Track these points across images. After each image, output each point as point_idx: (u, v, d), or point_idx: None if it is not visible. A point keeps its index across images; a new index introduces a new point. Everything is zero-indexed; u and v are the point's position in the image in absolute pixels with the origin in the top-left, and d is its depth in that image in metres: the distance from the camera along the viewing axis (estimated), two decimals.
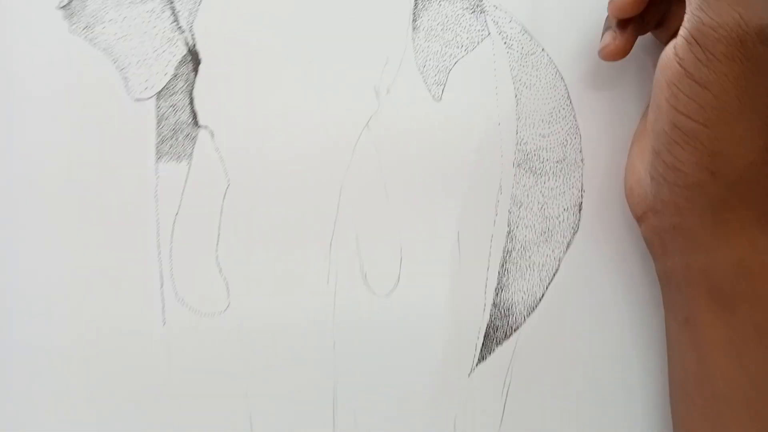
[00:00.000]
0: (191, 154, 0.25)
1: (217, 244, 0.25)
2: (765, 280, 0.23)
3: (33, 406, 0.24)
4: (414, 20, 0.27)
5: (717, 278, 0.23)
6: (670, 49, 0.23)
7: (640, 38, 0.27)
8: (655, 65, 0.24)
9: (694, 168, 0.22)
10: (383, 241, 0.26)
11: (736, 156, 0.22)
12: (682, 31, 0.22)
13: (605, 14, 0.27)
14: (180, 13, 0.25)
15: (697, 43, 0.21)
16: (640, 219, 0.26)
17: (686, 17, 0.22)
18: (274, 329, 0.25)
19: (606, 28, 0.27)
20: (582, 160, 0.28)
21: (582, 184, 0.27)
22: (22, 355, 0.24)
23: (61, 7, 0.25)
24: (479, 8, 0.28)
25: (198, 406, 0.24)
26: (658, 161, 0.24)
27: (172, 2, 0.25)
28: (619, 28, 0.26)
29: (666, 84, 0.23)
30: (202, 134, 0.25)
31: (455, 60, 0.27)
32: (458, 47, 0.27)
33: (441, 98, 0.27)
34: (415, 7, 0.27)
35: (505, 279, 0.27)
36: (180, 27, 0.25)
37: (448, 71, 0.27)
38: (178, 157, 0.25)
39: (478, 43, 0.28)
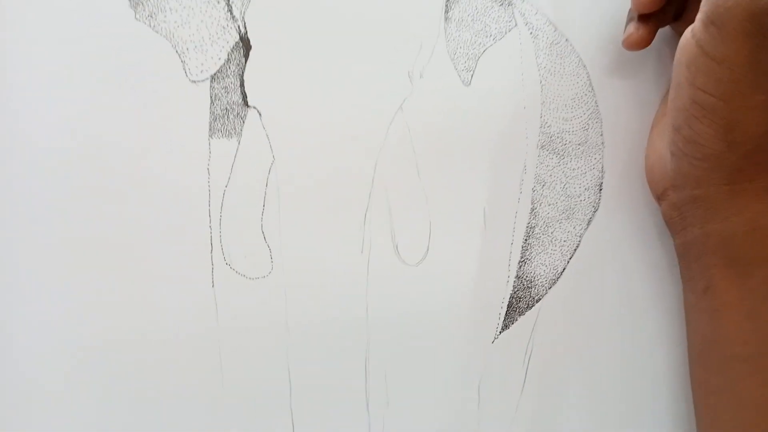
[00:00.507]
0: (240, 131, 0.27)
1: (262, 214, 0.27)
2: None
3: (108, 350, 0.26)
4: (446, 11, 0.29)
5: (734, 244, 0.25)
6: (688, 32, 0.25)
7: (659, 30, 0.29)
8: (672, 55, 0.26)
9: (712, 140, 0.24)
10: (414, 214, 0.28)
11: (751, 126, 0.24)
12: (699, 15, 0.24)
13: (627, 7, 0.29)
14: (233, 3, 0.28)
15: (713, 23, 0.23)
16: (660, 197, 0.28)
17: (703, 2, 0.24)
18: (312, 293, 0.27)
19: (629, 20, 0.29)
20: (603, 143, 0.29)
21: (602, 165, 0.29)
22: (91, 305, 0.27)
23: None
24: (507, 1, 0.30)
25: (242, 358, 0.27)
26: (678, 136, 0.25)
27: None
28: (641, 20, 0.28)
29: (685, 64, 0.25)
30: (251, 114, 0.28)
31: (484, 48, 0.29)
32: (487, 36, 0.30)
33: (470, 83, 0.29)
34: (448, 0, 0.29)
35: (528, 253, 0.29)
36: (233, 16, 0.28)
37: (477, 58, 0.29)
38: (229, 134, 0.27)
39: (506, 33, 0.30)
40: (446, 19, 0.29)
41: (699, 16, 0.24)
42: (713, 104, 0.24)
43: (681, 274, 0.28)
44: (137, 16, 0.28)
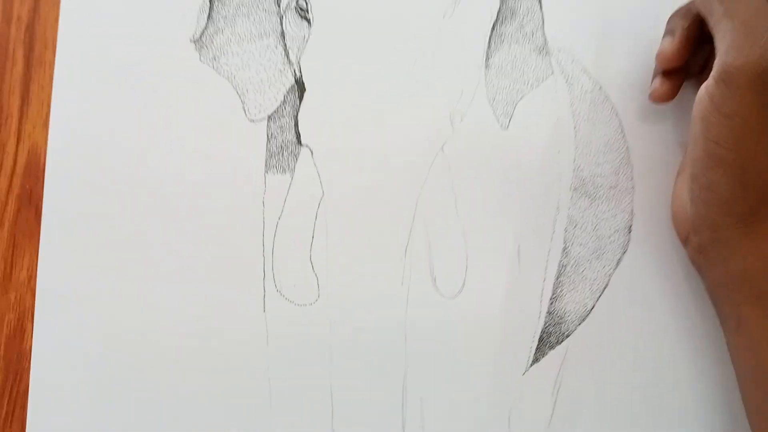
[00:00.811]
0: (293, 168, 0.30)
1: (311, 245, 0.30)
2: None
3: (162, 368, 0.29)
4: (487, 59, 0.32)
5: (757, 281, 0.27)
6: (702, 88, 0.27)
7: (686, 82, 0.31)
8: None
9: (725, 187, 0.26)
10: (452, 250, 0.30)
11: (760, 174, 0.26)
12: (712, 72, 0.26)
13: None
14: (290, 49, 0.31)
15: (724, 81, 0.25)
16: (685, 241, 0.29)
17: (715, 62, 0.26)
18: (355, 321, 0.29)
19: (655, 74, 0.31)
20: (633, 188, 0.31)
21: (632, 208, 0.31)
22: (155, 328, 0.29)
23: (194, 41, 0.30)
24: (545, 50, 0.32)
25: (289, 378, 0.29)
26: (695, 184, 0.27)
27: (284, 39, 0.31)
28: (666, 75, 0.30)
29: (699, 118, 0.27)
30: (304, 152, 0.30)
31: (522, 95, 0.32)
32: (525, 84, 0.32)
33: (508, 127, 0.31)
34: (489, 48, 0.32)
35: (559, 290, 0.30)
36: (290, 61, 0.30)
37: (515, 104, 0.31)
38: (283, 170, 0.30)
39: (543, 80, 0.32)
40: (487, 66, 0.32)
41: (712, 74, 0.26)
42: (725, 155, 0.26)
43: (717, 314, 0.29)
44: (202, 58, 0.30)
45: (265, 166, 0.30)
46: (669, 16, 0.31)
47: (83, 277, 0.28)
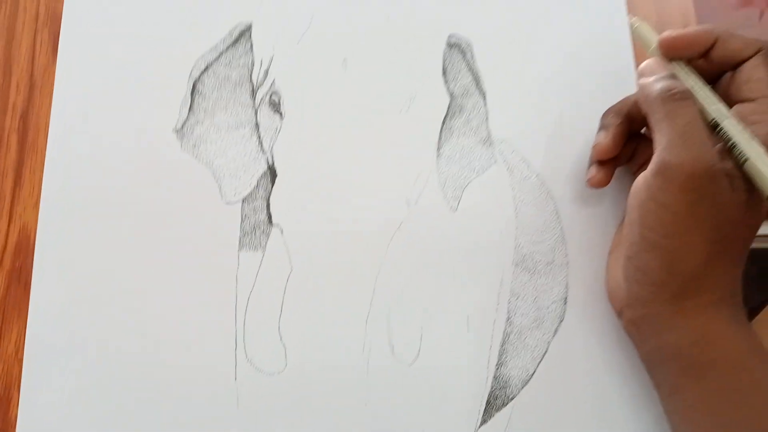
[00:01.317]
0: (265, 245, 0.33)
1: (280, 317, 0.33)
2: (722, 347, 0.29)
3: None
4: (438, 149, 0.36)
5: (685, 353, 0.30)
6: (640, 178, 0.31)
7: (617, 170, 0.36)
8: (627, 189, 0.32)
9: (657, 270, 0.30)
10: (409, 320, 0.34)
11: (688, 260, 0.29)
12: (651, 166, 0.30)
13: (587, 151, 0.36)
14: (263, 139, 0.35)
15: (662, 175, 0.29)
16: (619, 314, 0.34)
17: (654, 156, 0.30)
18: (320, 387, 0.32)
19: (591, 163, 0.36)
20: (567, 263, 0.36)
21: (567, 282, 0.35)
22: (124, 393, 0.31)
23: (175, 130, 0.34)
24: (489, 141, 0.37)
25: None
26: (630, 265, 0.31)
27: (258, 130, 0.35)
28: (601, 164, 0.35)
29: (636, 205, 0.31)
30: (274, 231, 0.34)
31: (469, 181, 0.36)
32: (471, 171, 0.36)
33: (457, 209, 0.36)
34: (440, 139, 0.36)
35: (504, 356, 0.34)
36: (263, 149, 0.34)
37: (463, 189, 0.36)
38: (255, 247, 0.33)
39: (487, 168, 0.36)
40: (438, 155, 0.36)
41: (650, 167, 0.30)
42: (658, 241, 0.30)
43: (652, 381, 0.32)
44: (183, 146, 0.34)
45: (239, 244, 0.33)
46: (601, 113, 0.36)
47: (68, 350, 0.31)
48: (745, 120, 0.30)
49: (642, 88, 0.32)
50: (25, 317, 0.30)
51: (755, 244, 0.32)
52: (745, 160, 0.29)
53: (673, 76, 0.31)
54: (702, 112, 0.30)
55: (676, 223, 0.29)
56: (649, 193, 0.30)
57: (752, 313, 0.65)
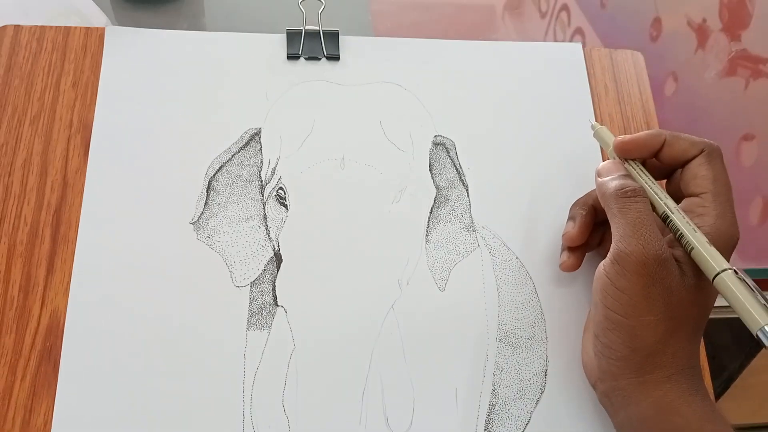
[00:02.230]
0: (270, 325, 0.38)
1: (284, 391, 0.36)
2: (684, 415, 0.33)
3: None
4: (427, 235, 0.41)
5: (649, 423, 0.33)
6: (600, 266, 0.36)
7: (588, 254, 0.41)
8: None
9: (620, 346, 0.34)
10: (401, 393, 0.37)
11: (647, 337, 0.33)
12: (608, 255, 0.35)
13: (560, 234, 0.41)
14: (271, 229, 0.40)
15: (618, 263, 0.34)
16: (594, 386, 0.37)
17: (611, 246, 0.35)
18: None
19: (562, 250, 0.41)
20: (546, 338, 0.40)
21: (547, 355, 0.40)
22: None
23: (192, 223, 0.39)
24: (472, 228, 0.42)
25: None
26: (597, 342, 0.36)
27: (266, 221, 0.40)
28: (571, 250, 0.40)
29: (599, 289, 0.35)
30: (279, 311, 0.38)
31: (455, 263, 0.41)
32: (457, 254, 0.41)
33: (444, 290, 0.40)
34: (428, 226, 0.41)
35: (489, 426, 0.38)
36: (270, 238, 0.40)
37: (449, 271, 0.41)
38: (262, 326, 0.37)
39: (471, 251, 0.41)
40: (427, 240, 0.41)
41: (608, 256, 0.35)
42: (619, 320, 0.34)
43: None
44: (198, 237, 0.39)
45: (247, 323, 0.37)
46: (570, 204, 0.41)
47: (93, 424, 0.34)
48: (692, 212, 0.35)
49: (599, 187, 0.37)
50: (54, 393, 0.34)
51: (727, 314, 0.36)
52: (691, 249, 0.34)
53: (627, 176, 0.37)
54: (654, 206, 0.36)
55: (633, 305, 0.33)
56: (609, 278, 0.34)
57: (730, 378, 0.68)
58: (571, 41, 0.86)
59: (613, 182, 0.36)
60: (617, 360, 0.34)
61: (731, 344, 0.62)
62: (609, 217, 0.36)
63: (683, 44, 0.78)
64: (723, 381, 0.76)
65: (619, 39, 0.86)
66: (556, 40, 0.90)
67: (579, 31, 0.87)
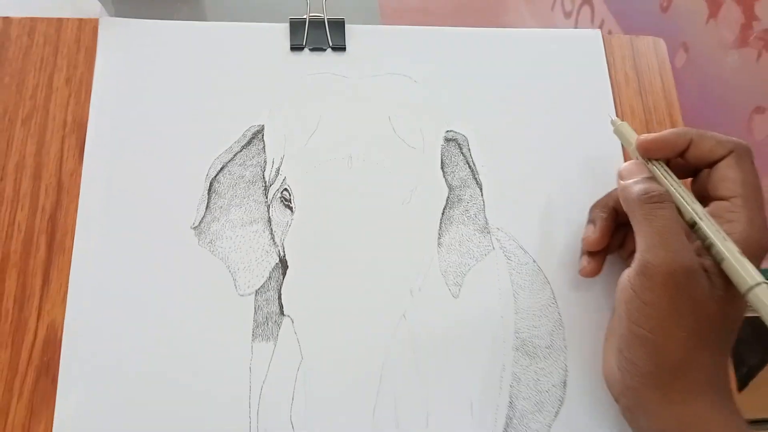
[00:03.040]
0: (277, 336, 0.36)
1: (291, 405, 0.35)
2: (709, 431, 0.32)
3: None
4: (439, 238, 0.40)
5: None
6: (624, 277, 0.34)
7: (609, 257, 0.39)
8: (619, 274, 0.35)
9: (645, 362, 0.33)
10: (414, 405, 0.36)
11: (672, 352, 0.32)
12: (633, 266, 0.33)
13: (580, 237, 0.40)
14: (275, 233, 0.38)
15: (643, 274, 0.33)
16: (616, 400, 0.36)
17: (636, 257, 0.33)
18: None
19: (582, 254, 0.40)
20: (565, 347, 0.39)
21: (566, 365, 0.38)
22: None
23: (193, 227, 0.38)
24: (486, 230, 0.41)
25: None
26: (621, 357, 0.34)
27: (270, 225, 0.39)
28: (591, 255, 0.39)
29: (623, 301, 0.34)
30: (286, 321, 0.37)
31: (469, 268, 0.40)
32: (471, 258, 0.40)
33: (458, 296, 0.39)
34: (440, 229, 0.40)
35: None
36: (275, 243, 0.38)
37: (463, 276, 0.39)
38: (267, 338, 0.36)
39: (486, 255, 0.40)
40: (439, 244, 0.40)
41: (633, 266, 0.33)
42: (645, 336, 0.33)
43: None
44: (200, 243, 0.38)
45: (253, 335, 0.36)
46: (590, 204, 0.40)
47: None
48: (721, 218, 0.34)
49: (622, 190, 0.36)
50: (53, 408, 0.33)
51: (748, 313, 0.35)
52: (722, 260, 0.32)
53: (651, 179, 0.35)
54: (680, 211, 0.34)
55: (659, 318, 0.32)
56: (634, 291, 0.33)
57: (750, 373, 0.67)
58: (578, 11, 0.84)
59: (636, 186, 0.35)
60: (641, 376, 0.33)
61: (752, 339, 0.61)
62: (633, 223, 0.34)
63: (694, 14, 0.75)
64: (743, 375, 0.76)
65: (628, 7, 0.83)
66: (564, 11, 0.88)
67: (587, 1, 0.84)
